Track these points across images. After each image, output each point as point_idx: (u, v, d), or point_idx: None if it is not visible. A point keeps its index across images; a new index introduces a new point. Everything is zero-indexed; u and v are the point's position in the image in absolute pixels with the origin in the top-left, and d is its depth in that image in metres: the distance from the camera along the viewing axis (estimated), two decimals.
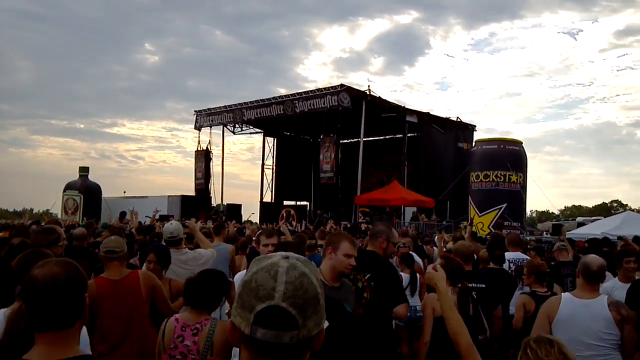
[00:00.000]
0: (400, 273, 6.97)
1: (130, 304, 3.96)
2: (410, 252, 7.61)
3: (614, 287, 4.94)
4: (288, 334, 1.12)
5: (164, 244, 5.29)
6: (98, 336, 3.85)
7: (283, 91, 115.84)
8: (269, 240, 4.79)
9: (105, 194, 29.45)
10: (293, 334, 1.12)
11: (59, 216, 24.96)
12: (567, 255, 7.12)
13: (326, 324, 1.21)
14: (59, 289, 1.76)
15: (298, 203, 33.72)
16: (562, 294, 4.25)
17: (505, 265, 6.59)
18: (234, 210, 29.24)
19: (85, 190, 27.13)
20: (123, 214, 18.23)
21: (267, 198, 33.88)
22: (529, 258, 6.86)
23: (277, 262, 1.19)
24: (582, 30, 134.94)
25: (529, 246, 10.28)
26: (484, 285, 4.84)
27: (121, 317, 3.88)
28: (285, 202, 33.24)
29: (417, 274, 7.09)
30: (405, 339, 6.86)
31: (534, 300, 4.81)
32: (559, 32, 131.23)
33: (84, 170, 29.22)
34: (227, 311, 3.81)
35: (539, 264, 5.36)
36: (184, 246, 5.62)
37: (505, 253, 6.80)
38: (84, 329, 2.38)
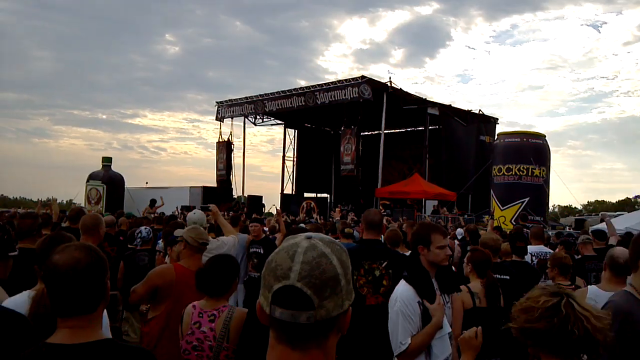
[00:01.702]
0: None
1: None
2: None
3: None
4: (304, 313, 1.12)
5: None
6: (165, 321, 3.84)
7: (303, 83, 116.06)
8: None
9: (127, 184, 29.76)
10: (310, 314, 1.12)
11: (83, 206, 25.27)
12: (591, 249, 7.05)
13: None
14: (80, 275, 1.77)
15: (318, 195, 33.73)
16: (589, 286, 4.20)
17: (528, 258, 6.54)
18: (255, 201, 29.33)
19: (109, 181, 27.42)
20: (153, 202, 18.53)
21: (288, 190, 33.96)
22: (551, 251, 6.79)
23: (298, 242, 1.20)
24: (606, 23, 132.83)
25: (551, 241, 10.18)
26: (508, 277, 4.80)
27: None
28: (306, 194, 33.26)
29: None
30: None
31: None
32: (582, 25, 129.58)
33: (107, 161, 29.52)
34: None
35: (563, 256, 5.30)
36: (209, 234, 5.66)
37: (528, 246, 6.74)
38: (105, 312, 2.40)
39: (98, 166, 29.31)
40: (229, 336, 3.10)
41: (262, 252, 7.55)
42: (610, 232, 8.03)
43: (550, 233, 15.43)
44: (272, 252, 1.23)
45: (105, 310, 2.44)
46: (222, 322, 3.14)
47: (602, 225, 17.27)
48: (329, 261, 1.17)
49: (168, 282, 3.93)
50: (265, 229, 9.27)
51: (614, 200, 77.57)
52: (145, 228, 6.74)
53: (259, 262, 7.53)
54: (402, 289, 3.28)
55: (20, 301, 2.64)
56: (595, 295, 3.77)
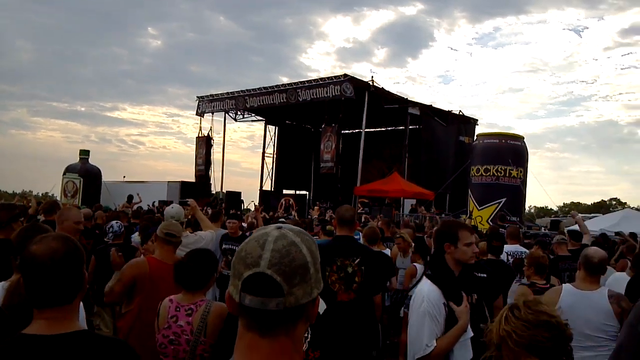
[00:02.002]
0: (414, 264, 7.03)
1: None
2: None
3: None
4: (274, 300, 1.14)
5: None
6: (138, 314, 3.82)
7: (285, 79, 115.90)
8: None
9: (105, 178, 29.47)
10: (279, 300, 1.14)
11: (59, 199, 24.95)
12: (565, 250, 7.15)
13: (323, 306, 1.22)
14: (57, 265, 1.75)
15: (297, 192, 33.74)
16: (563, 285, 4.26)
17: (503, 257, 6.62)
18: (234, 197, 29.23)
19: (86, 174, 27.11)
20: (130, 197, 18.38)
21: (267, 186, 33.88)
22: (527, 251, 6.88)
23: (269, 232, 1.22)
24: (587, 28, 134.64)
25: (525, 241, 10.30)
26: (485, 275, 4.85)
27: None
28: (285, 191, 33.25)
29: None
30: None
31: (532, 291, 4.82)
32: (564, 29, 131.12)
33: (85, 154, 29.20)
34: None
35: (540, 255, 5.36)
36: (186, 229, 5.63)
37: (505, 245, 6.82)
38: (81, 304, 2.38)
39: (75, 159, 28.98)
40: (207, 330, 3.08)
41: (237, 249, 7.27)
42: (583, 230, 8.15)
43: (525, 234, 15.61)
44: None
45: (81, 303, 2.42)
46: (200, 316, 3.12)
47: (577, 227, 17.51)
48: (299, 250, 1.19)
49: (142, 275, 3.90)
50: (244, 224, 9.17)
51: (589, 202, 78.86)
52: (117, 222, 6.67)
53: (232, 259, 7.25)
54: (428, 288, 3.17)
55: None
56: (570, 294, 3.83)
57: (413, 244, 7.54)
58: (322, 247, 4.88)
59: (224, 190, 31.16)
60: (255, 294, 1.14)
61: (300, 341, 1.23)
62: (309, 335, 2.67)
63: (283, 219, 8.64)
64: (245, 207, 27.72)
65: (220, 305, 3.19)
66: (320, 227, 8.09)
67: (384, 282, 4.09)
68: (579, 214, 10.17)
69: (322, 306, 2.72)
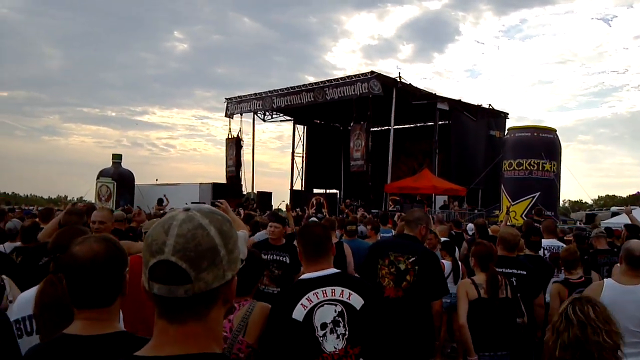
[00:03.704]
0: (442, 261, 6.94)
1: None
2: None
3: None
4: (181, 287, 1.11)
5: None
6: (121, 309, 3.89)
7: (311, 79, 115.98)
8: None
9: (137, 181, 29.87)
10: (187, 287, 1.11)
11: (94, 203, 25.37)
12: (604, 243, 6.99)
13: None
14: (99, 267, 1.77)
15: (328, 191, 33.71)
16: (605, 279, 4.14)
17: (540, 252, 6.48)
18: (265, 198, 29.39)
19: (119, 178, 27.51)
20: (160, 201, 18.57)
21: (297, 186, 33.97)
22: (564, 245, 6.74)
23: (175, 215, 1.17)
24: (616, 16, 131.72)
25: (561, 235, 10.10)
26: (524, 272, 4.75)
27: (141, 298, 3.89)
28: (316, 190, 33.26)
29: (459, 262, 7.03)
30: (444, 324, 6.84)
31: (566, 288, 4.72)
32: (592, 18, 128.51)
33: (117, 158, 29.62)
34: None
35: (570, 250, 5.26)
36: None
37: (541, 240, 6.67)
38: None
39: (108, 163, 29.42)
40: (247, 330, 3.05)
41: (287, 260, 5.70)
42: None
43: (561, 227, 15.32)
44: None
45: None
46: (242, 315, 3.09)
47: (615, 220, 17.15)
48: (206, 232, 1.14)
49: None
50: (289, 231, 7.60)
51: (624, 195, 77.04)
52: None
53: (281, 274, 5.65)
54: None
55: (30, 295, 2.64)
56: (612, 289, 3.72)
57: (441, 240, 7.41)
58: (380, 241, 4.88)
59: (255, 191, 31.36)
60: (162, 281, 1.11)
61: (217, 325, 1.20)
62: (347, 332, 2.64)
63: (315, 218, 8.38)
64: (276, 207, 27.80)
65: (265, 306, 3.14)
66: (340, 226, 7.70)
67: (441, 287, 3.95)
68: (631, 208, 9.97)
69: (358, 301, 2.69)
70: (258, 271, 3.36)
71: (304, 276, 2.80)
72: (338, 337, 2.61)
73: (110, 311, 1.81)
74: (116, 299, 1.82)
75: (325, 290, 2.67)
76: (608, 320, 2.10)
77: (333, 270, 2.79)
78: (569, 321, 2.08)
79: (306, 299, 2.63)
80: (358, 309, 2.65)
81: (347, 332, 2.61)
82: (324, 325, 2.60)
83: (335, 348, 2.58)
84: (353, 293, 2.68)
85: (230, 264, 1.17)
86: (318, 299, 2.64)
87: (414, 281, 3.82)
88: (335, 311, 2.63)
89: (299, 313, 2.61)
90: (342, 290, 2.68)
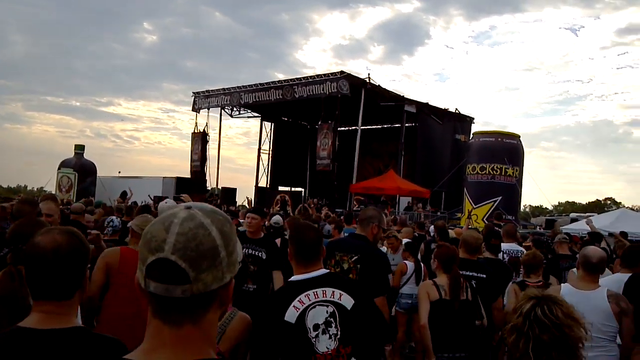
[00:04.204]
0: (405, 262, 6.99)
1: None
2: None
3: None
4: (179, 287, 1.07)
5: None
6: (110, 300, 3.90)
7: (281, 76, 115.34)
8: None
9: (100, 173, 29.37)
10: (185, 287, 1.07)
11: (54, 193, 24.83)
12: (566, 249, 7.16)
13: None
14: (61, 259, 1.74)
15: (293, 189, 33.70)
16: (562, 284, 4.25)
17: (500, 256, 6.59)
18: (229, 193, 29.24)
19: (80, 169, 27.02)
20: (124, 194, 18.27)
21: (263, 183, 33.88)
22: (523, 250, 6.88)
23: (176, 213, 1.14)
24: (583, 27, 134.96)
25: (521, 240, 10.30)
26: (484, 276, 4.82)
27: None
28: (281, 188, 33.20)
29: (421, 264, 7.08)
30: (403, 325, 6.88)
31: (521, 289, 4.82)
32: (560, 28, 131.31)
33: (80, 149, 29.10)
34: None
35: (532, 255, 5.42)
36: None
37: (501, 244, 6.79)
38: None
39: (70, 154, 28.87)
40: (222, 337, 3.00)
41: (263, 256, 5.42)
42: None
43: (521, 232, 15.61)
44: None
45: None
46: (222, 322, 3.04)
47: (574, 226, 17.51)
48: (208, 232, 1.11)
49: (112, 264, 3.95)
50: (267, 223, 7.73)
51: (584, 202, 79.06)
52: (117, 218, 6.64)
53: (257, 270, 5.37)
54: None
55: None
56: (570, 294, 3.80)
57: (403, 241, 7.48)
58: (330, 241, 4.84)
59: (219, 187, 31.15)
60: (159, 280, 1.08)
61: (212, 327, 1.16)
62: (339, 332, 2.65)
63: (278, 216, 8.33)
64: (240, 204, 27.66)
65: (245, 317, 3.08)
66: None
67: (382, 283, 3.94)
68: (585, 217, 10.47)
69: (349, 301, 2.69)
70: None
71: (294, 278, 2.79)
72: (330, 337, 2.62)
73: (69, 305, 1.77)
74: (75, 293, 1.79)
75: (316, 292, 2.67)
76: (576, 316, 2.15)
77: (323, 270, 2.80)
78: (540, 323, 2.10)
79: (298, 300, 2.63)
80: (349, 309, 2.67)
81: (339, 332, 2.63)
82: (316, 327, 2.61)
83: (327, 348, 2.60)
84: (344, 293, 2.69)
85: (230, 266, 1.14)
86: (310, 300, 2.65)
87: (355, 280, 3.77)
88: (327, 312, 2.64)
89: (291, 315, 2.60)
90: (333, 291, 2.69)
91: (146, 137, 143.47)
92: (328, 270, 2.86)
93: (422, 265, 7.05)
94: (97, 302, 3.95)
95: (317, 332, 2.62)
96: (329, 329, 2.63)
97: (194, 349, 1.12)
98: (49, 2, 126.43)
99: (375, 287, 3.87)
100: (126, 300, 3.74)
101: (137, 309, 3.76)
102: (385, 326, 3.08)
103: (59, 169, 27.12)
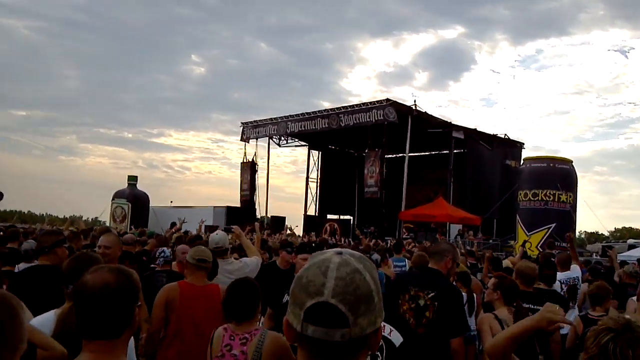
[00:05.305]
0: None
1: (210, 311, 3.99)
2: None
3: None
4: (339, 331, 1.09)
5: None
6: (171, 337, 3.96)
7: (326, 104, 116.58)
8: None
9: (152, 203, 30.03)
10: (344, 331, 1.09)
11: (108, 224, 25.53)
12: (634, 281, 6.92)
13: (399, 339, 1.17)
14: (108, 298, 1.75)
15: (341, 217, 33.64)
16: None
17: (557, 286, 6.39)
18: (278, 222, 29.39)
19: (134, 199, 27.76)
20: (173, 224, 18.59)
21: (311, 211, 33.95)
22: (579, 276, 6.68)
23: (330, 258, 1.16)
24: (633, 48, 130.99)
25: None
26: (540, 308, 4.66)
27: (199, 323, 3.94)
28: (329, 216, 33.20)
29: (474, 294, 6.93)
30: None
31: (583, 323, 4.64)
32: (609, 50, 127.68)
33: (133, 179, 29.92)
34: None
35: (599, 286, 5.19)
36: (230, 256, 5.65)
37: (557, 273, 6.59)
38: (131, 340, 2.38)
39: (123, 184, 29.73)
40: (261, 359, 3.05)
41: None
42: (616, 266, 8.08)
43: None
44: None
45: (132, 339, 2.42)
46: (255, 345, 3.09)
47: (631, 253, 16.89)
48: (363, 277, 1.13)
49: (173, 298, 4.02)
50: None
51: None
52: (169, 249, 6.74)
53: None
54: None
55: (46, 319, 2.64)
56: None
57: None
58: (402, 275, 4.77)
59: (268, 215, 31.36)
60: (319, 324, 1.09)
61: None
62: None
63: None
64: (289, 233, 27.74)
65: (276, 335, 3.15)
66: None
67: (460, 324, 3.82)
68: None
69: (398, 338, 2.67)
70: (258, 295, 3.37)
71: None
72: None
73: (118, 344, 1.78)
74: (124, 331, 1.80)
75: None
76: None
77: None
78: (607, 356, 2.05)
79: None
80: (397, 345, 2.64)
81: None
82: None
83: None
84: (393, 329, 2.66)
85: (381, 311, 1.17)
86: None
87: (433, 318, 3.70)
88: None
89: None
90: (384, 325, 2.66)
91: (196, 167, 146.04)
92: None
93: (474, 295, 6.89)
94: (158, 338, 4.01)
95: None
96: None
97: None
98: (98, 36, 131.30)
99: (453, 327, 3.77)
100: (188, 331, 3.81)
101: (198, 347, 3.83)
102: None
103: (112, 199, 27.92)
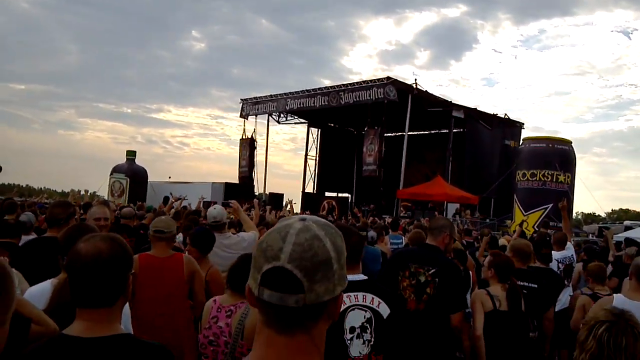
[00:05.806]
0: None
1: (171, 283, 4.01)
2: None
3: None
4: (293, 296, 1.09)
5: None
6: (134, 311, 3.95)
7: (327, 82, 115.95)
8: None
9: (151, 178, 30.04)
10: (298, 297, 1.09)
11: (106, 198, 25.54)
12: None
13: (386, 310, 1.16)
14: (101, 266, 1.74)
15: (339, 195, 33.71)
16: (615, 295, 4.10)
17: (554, 265, 6.42)
18: (276, 199, 29.45)
19: (132, 174, 27.76)
20: (166, 199, 18.62)
21: (309, 188, 34.00)
22: (574, 256, 6.72)
23: (291, 224, 1.16)
24: (636, 29, 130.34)
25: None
26: (536, 286, 4.69)
27: (160, 295, 3.94)
28: (327, 193, 33.27)
29: (470, 271, 6.97)
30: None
31: (593, 301, 4.62)
32: (612, 31, 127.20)
33: (131, 154, 29.87)
34: None
35: (598, 265, 5.22)
36: (228, 230, 5.65)
37: (553, 252, 6.62)
38: (127, 306, 2.39)
39: (122, 159, 29.67)
40: (244, 333, 3.05)
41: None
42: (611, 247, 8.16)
43: (573, 240, 15.18)
44: None
45: (127, 306, 2.42)
46: (238, 317, 3.10)
47: (626, 234, 16.97)
48: (322, 244, 1.13)
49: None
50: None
51: (638, 209, 76.31)
52: None
53: None
54: None
55: (42, 289, 2.66)
56: (622, 304, 3.68)
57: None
58: (401, 251, 4.78)
59: (267, 192, 31.42)
60: (274, 288, 1.09)
61: (321, 339, 1.17)
62: (373, 339, 2.65)
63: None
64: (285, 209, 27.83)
65: None
66: None
67: (460, 299, 3.83)
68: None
69: (385, 310, 2.69)
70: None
71: None
72: (364, 342, 2.62)
73: (112, 312, 1.78)
74: (118, 299, 1.80)
75: (357, 295, 2.68)
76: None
77: (361, 276, 2.79)
78: (602, 347, 2.08)
79: None
80: (385, 317, 2.66)
81: (372, 339, 2.62)
82: (352, 329, 2.62)
83: (360, 353, 2.60)
84: (382, 301, 2.68)
85: (341, 279, 1.16)
86: (350, 302, 2.66)
87: (434, 294, 3.69)
88: (365, 317, 2.64)
89: None
90: (372, 298, 2.69)
91: (195, 143, 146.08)
92: (366, 277, 2.83)
93: (470, 273, 6.93)
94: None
95: (352, 335, 2.62)
96: (363, 334, 2.63)
97: (307, 359, 1.14)
98: (97, 11, 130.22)
99: (453, 303, 3.79)
100: (144, 303, 3.81)
101: (157, 319, 3.81)
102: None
103: (111, 174, 27.92)
